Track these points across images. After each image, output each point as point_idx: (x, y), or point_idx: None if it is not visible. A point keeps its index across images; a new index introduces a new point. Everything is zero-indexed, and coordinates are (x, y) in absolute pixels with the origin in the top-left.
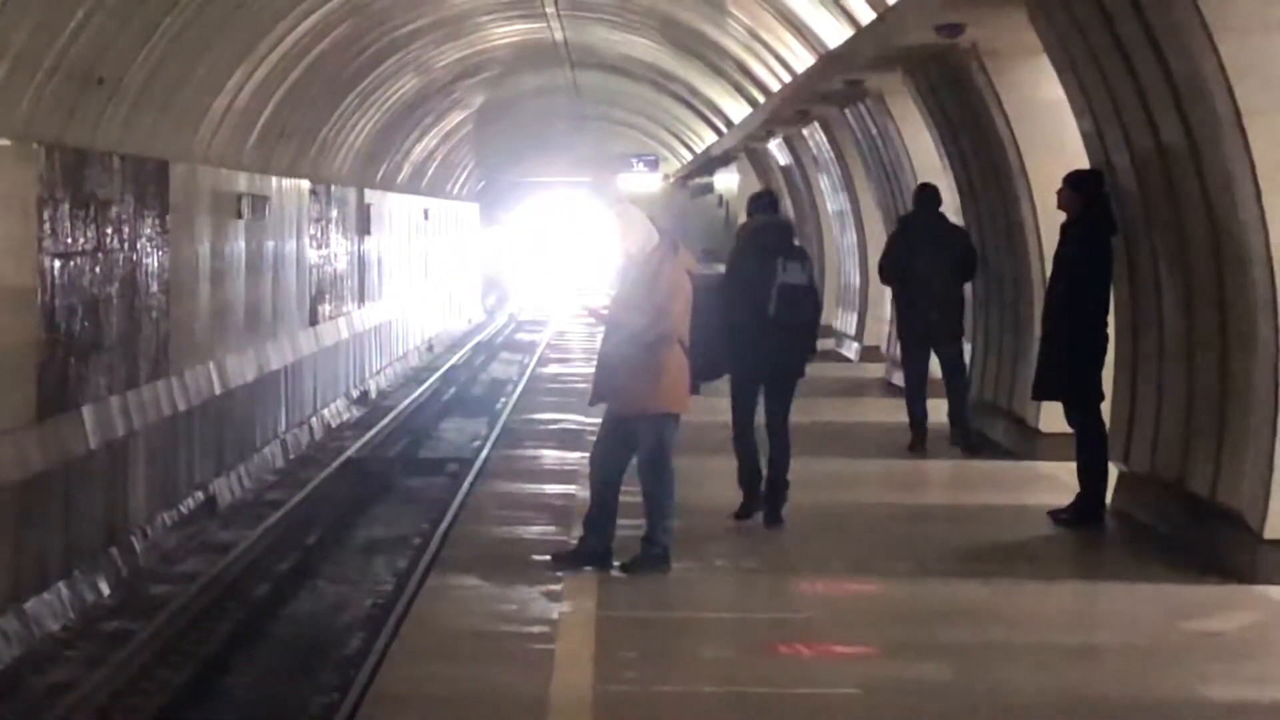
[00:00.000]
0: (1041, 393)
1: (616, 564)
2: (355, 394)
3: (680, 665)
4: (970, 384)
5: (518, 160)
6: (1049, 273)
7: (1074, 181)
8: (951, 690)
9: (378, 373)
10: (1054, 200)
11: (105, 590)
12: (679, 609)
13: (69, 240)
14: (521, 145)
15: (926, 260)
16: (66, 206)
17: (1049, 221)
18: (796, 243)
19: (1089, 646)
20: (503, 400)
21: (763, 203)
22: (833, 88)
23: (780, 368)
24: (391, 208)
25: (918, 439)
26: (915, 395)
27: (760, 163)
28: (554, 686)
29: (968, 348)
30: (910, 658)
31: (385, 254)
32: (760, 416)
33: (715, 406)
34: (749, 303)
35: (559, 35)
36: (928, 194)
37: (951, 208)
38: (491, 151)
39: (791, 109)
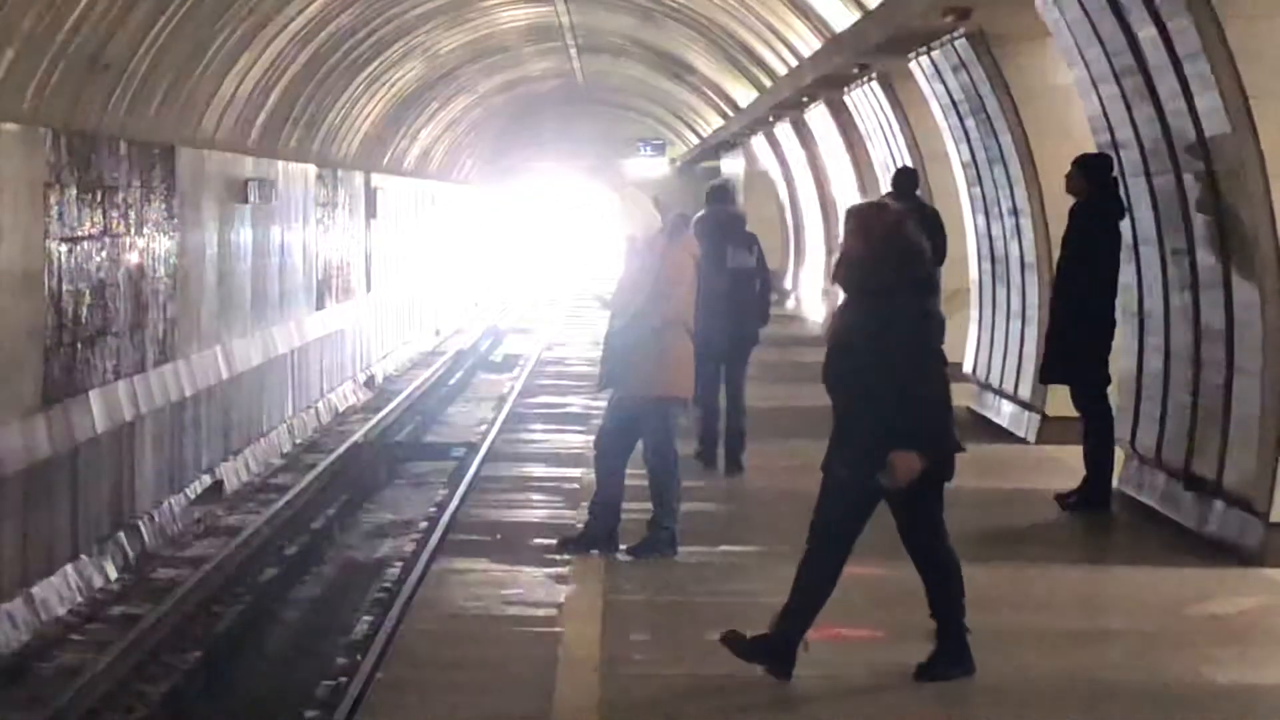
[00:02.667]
0: (1048, 376)
1: (623, 547)
2: (362, 378)
3: (687, 648)
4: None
5: (524, 145)
6: (1056, 256)
7: (1082, 165)
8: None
9: (385, 357)
10: (1061, 184)
11: (112, 574)
12: (685, 592)
13: (76, 225)
14: (527, 130)
15: None
16: (73, 191)
17: (1055, 205)
18: (748, 229)
19: (1096, 631)
20: (509, 386)
21: (716, 195)
22: (839, 71)
23: (735, 339)
24: (399, 192)
25: None
26: None
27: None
28: (561, 670)
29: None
30: (917, 642)
31: (392, 238)
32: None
33: None
34: (703, 285)
35: (565, 19)
36: (906, 177)
37: (960, 191)
38: (497, 136)
39: (797, 93)
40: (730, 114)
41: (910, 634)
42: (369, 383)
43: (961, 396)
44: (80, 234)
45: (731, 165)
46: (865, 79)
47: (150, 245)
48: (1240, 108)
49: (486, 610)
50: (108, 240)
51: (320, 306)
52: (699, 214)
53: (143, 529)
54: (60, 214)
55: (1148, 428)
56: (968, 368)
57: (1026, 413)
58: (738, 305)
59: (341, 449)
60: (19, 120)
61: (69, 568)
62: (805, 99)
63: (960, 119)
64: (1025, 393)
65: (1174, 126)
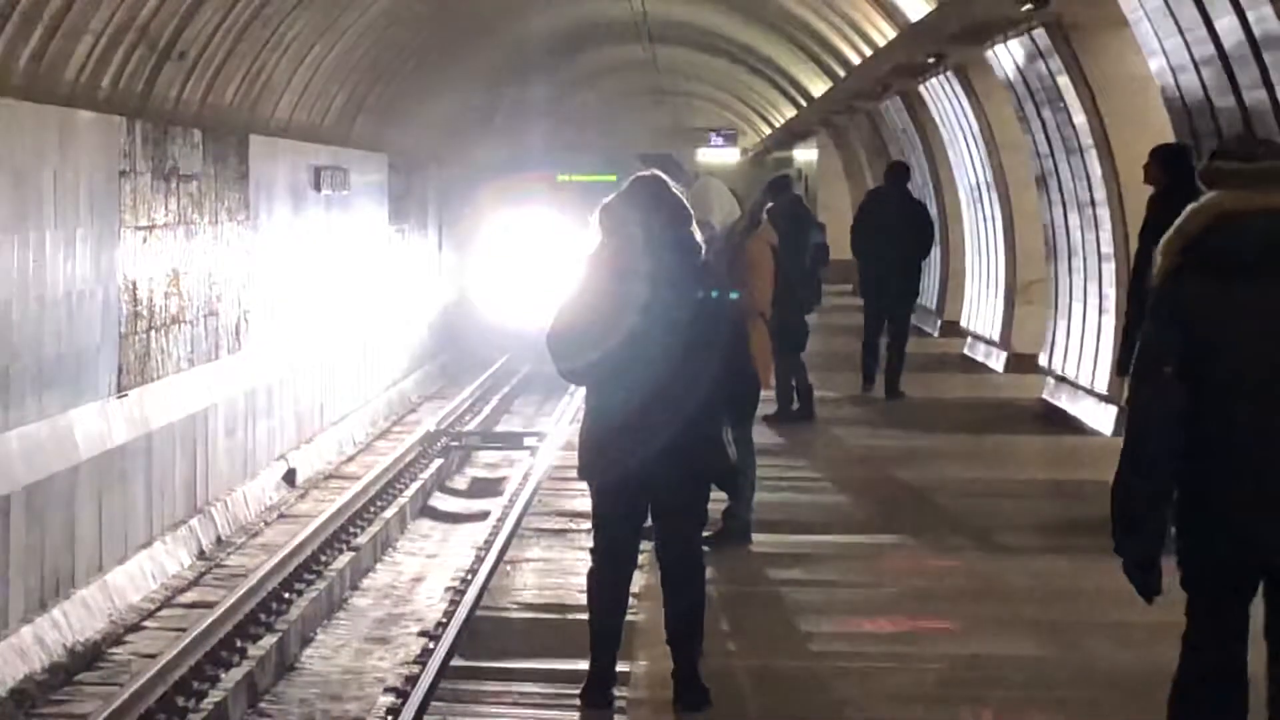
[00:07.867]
0: (1125, 368)
1: None
2: (435, 366)
3: (763, 639)
4: (905, 345)
5: (597, 134)
6: (1133, 247)
7: (1161, 155)
8: (1035, 666)
9: (456, 344)
10: (1139, 175)
11: (186, 561)
12: (761, 583)
13: (150, 213)
14: (600, 119)
15: (893, 232)
16: (148, 179)
17: (1133, 196)
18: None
19: (1173, 624)
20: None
21: (780, 185)
22: (915, 61)
23: (808, 304)
24: (471, 182)
25: (866, 385)
26: (872, 348)
27: (841, 137)
28: (636, 659)
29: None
30: (994, 633)
31: (464, 228)
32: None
33: None
34: (789, 261)
35: (638, 8)
36: (899, 170)
37: (1036, 182)
38: (571, 126)
39: (872, 83)
40: (804, 104)
41: (987, 626)
42: (442, 371)
43: (1037, 388)
44: (155, 222)
45: (805, 155)
46: (940, 69)
47: (224, 233)
48: None
49: (560, 599)
50: (182, 228)
51: (393, 293)
52: (769, 204)
53: (215, 515)
54: (135, 202)
55: None
56: (1043, 360)
57: (1103, 405)
58: (814, 275)
59: (413, 437)
60: (95, 108)
61: (143, 554)
62: (880, 89)
63: (1037, 108)
64: (1102, 385)
65: (1254, 115)
